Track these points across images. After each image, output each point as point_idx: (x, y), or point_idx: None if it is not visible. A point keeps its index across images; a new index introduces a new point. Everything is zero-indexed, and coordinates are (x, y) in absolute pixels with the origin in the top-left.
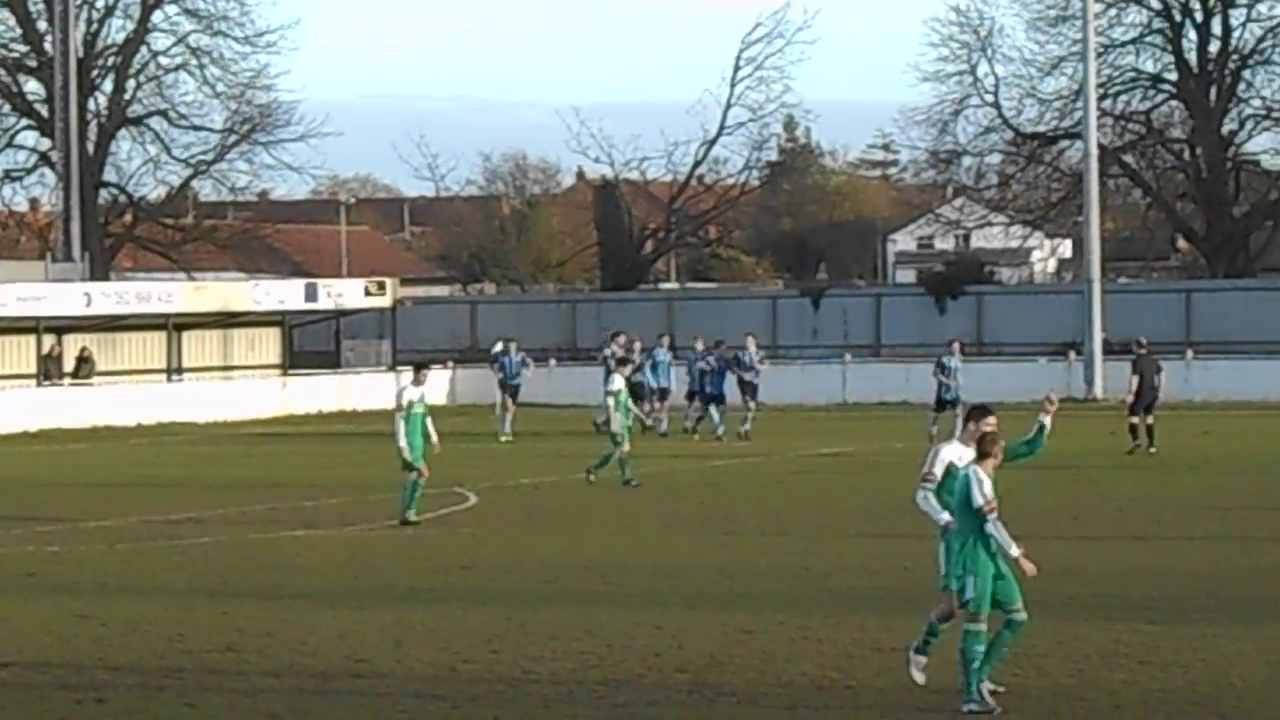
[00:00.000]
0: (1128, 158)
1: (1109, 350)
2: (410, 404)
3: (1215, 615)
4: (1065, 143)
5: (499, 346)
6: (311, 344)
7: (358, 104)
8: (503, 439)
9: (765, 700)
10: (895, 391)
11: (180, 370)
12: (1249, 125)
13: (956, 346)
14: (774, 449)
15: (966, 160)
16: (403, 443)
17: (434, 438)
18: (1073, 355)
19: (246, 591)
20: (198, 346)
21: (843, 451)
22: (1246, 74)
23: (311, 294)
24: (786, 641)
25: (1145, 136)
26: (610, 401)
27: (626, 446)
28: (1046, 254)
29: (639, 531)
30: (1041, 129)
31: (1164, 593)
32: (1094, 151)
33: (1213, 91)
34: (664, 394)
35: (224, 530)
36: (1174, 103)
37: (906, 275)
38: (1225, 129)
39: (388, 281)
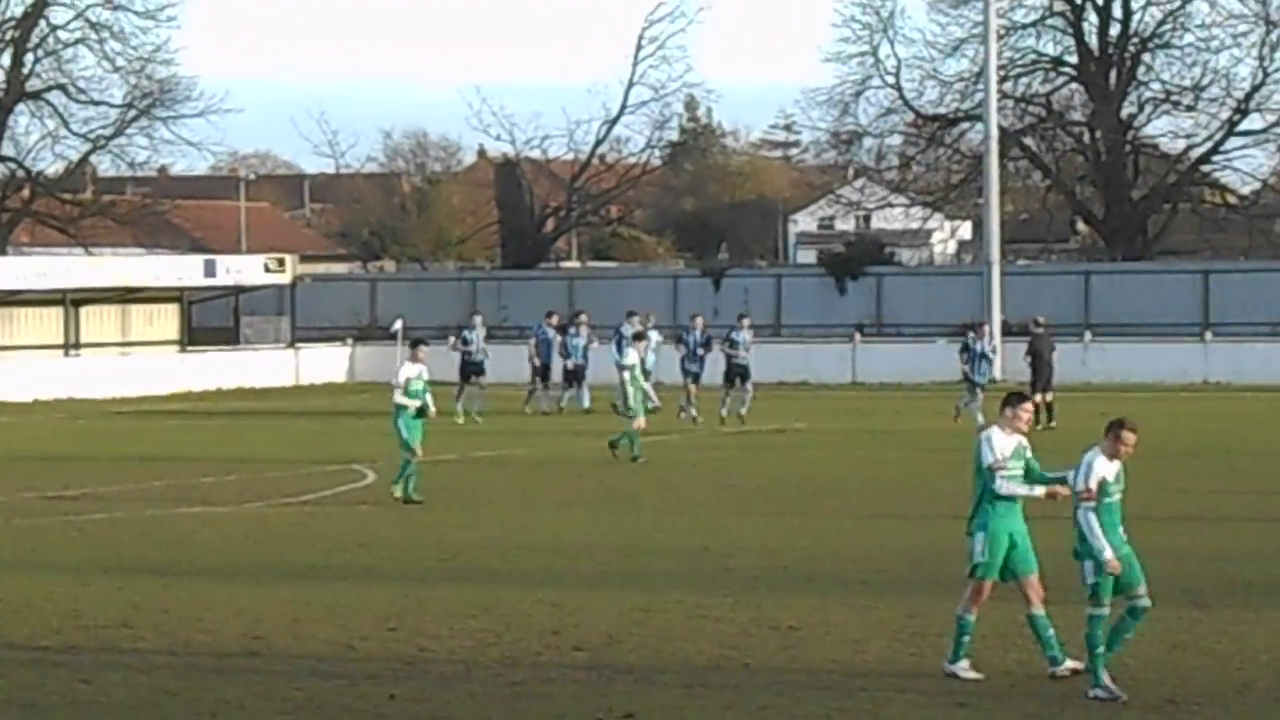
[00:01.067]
0: (1028, 140)
1: (1008, 332)
2: (408, 381)
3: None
4: (966, 125)
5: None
6: (210, 320)
7: (258, 80)
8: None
9: (662, 679)
10: (795, 372)
11: (78, 345)
12: (1148, 109)
13: (746, 322)
14: (673, 428)
15: (867, 141)
16: (401, 421)
17: (431, 409)
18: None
19: (143, 568)
20: (96, 322)
21: (743, 431)
22: (1146, 57)
23: (210, 270)
24: (684, 620)
25: (1045, 119)
26: (625, 375)
27: (641, 422)
28: (946, 236)
29: (538, 510)
30: (942, 111)
31: (1060, 573)
32: (994, 134)
33: (1113, 75)
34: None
35: (121, 506)
36: (1074, 86)
37: (807, 256)
38: (1125, 112)
39: (287, 258)
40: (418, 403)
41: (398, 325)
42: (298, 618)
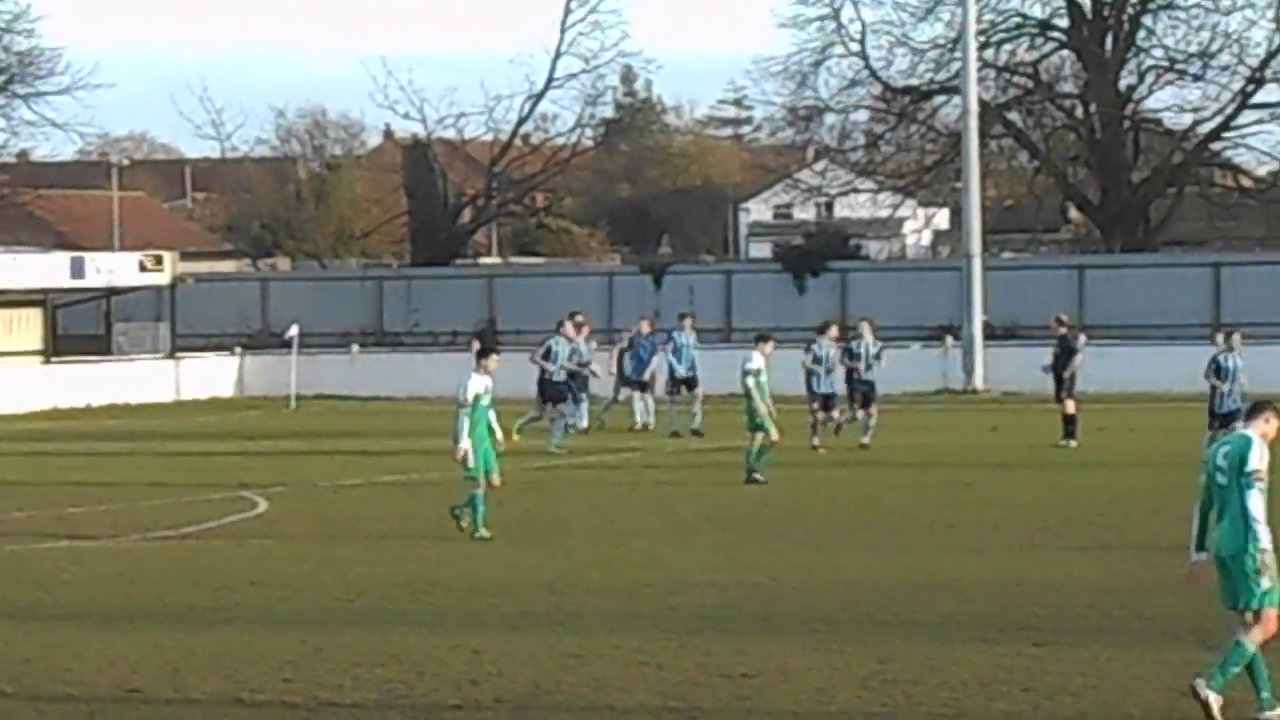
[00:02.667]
0: (1012, 115)
1: (990, 335)
2: (476, 397)
3: (1109, 636)
4: (941, 98)
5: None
6: (78, 327)
7: (132, 52)
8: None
9: None
10: None
11: None
12: (1149, 79)
13: (688, 323)
14: (607, 447)
15: (829, 118)
16: (465, 443)
17: (499, 434)
18: (950, 341)
19: (1, 612)
20: None
21: (688, 449)
22: (1147, 20)
23: (78, 270)
24: (621, 667)
25: (1032, 91)
26: (750, 383)
27: (775, 435)
28: (920, 225)
29: (454, 542)
30: (914, 82)
31: (1050, 611)
32: (974, 108)
33: (1109, 40)
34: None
35: None
36: (1065, 53)
37: (761, 249)
38: (1123, 83)
39: (166, 255)
40: (465, 441)
41: (293, 331)
42: (179, 667)
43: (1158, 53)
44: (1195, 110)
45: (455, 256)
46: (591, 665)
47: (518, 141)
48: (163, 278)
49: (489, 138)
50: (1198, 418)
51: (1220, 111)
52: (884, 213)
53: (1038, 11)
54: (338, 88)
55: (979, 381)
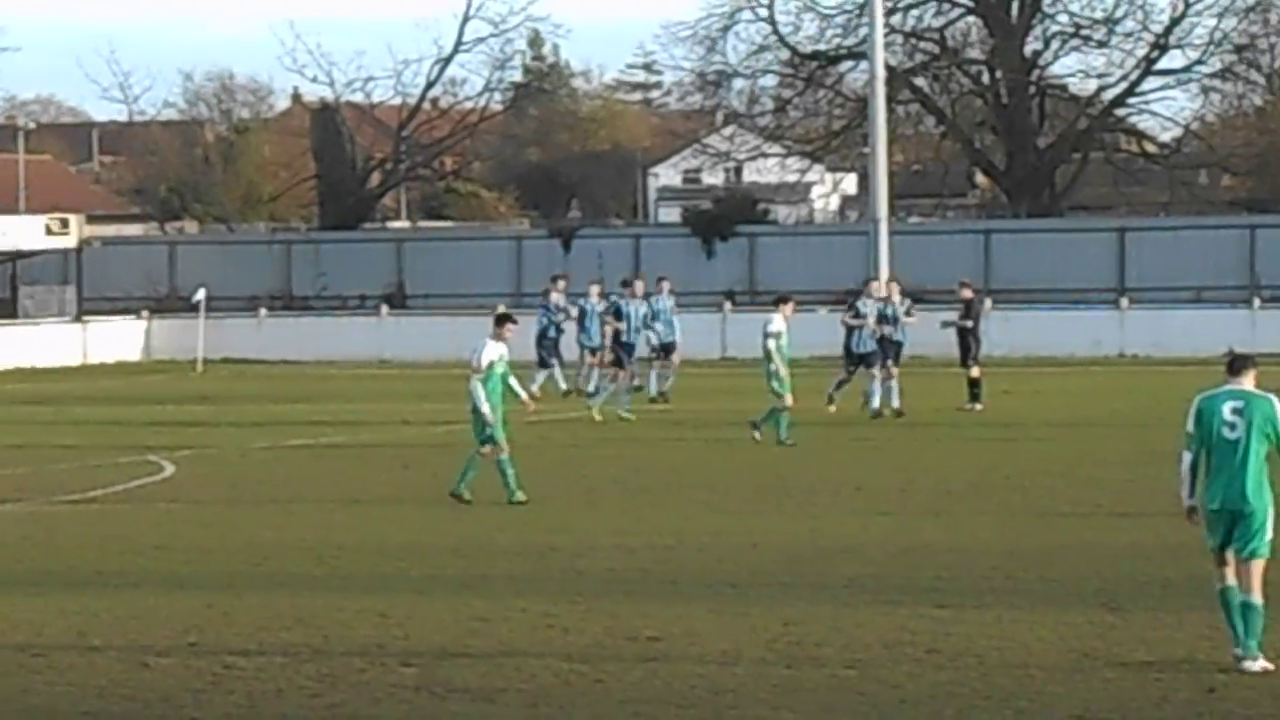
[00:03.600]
0: (919, 81)
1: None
2: (491, 364)
3: (1012, 599)
4: (849, 63)
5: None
6: None
7: (37, 14)
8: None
9: (503, 698)
10: None
11: None
12: (1055, 44)
13: (666, 286)
14: (516, 410)
15: (738, 83)
16: (485, 407)
17: (523, 395)
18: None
19: None
20: None
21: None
22: None
23: None
24: (528, 631)
25: (939, 57)
26: (771, 345)
27: (789, 401)
28: (828, 190)
29: (362, 506)
30: (822, 48)
31: (955, 574)
32: (880, 74)
33: (1014, 6)
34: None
35: None
36: (971, 19)
37: (670, 213)
38: (1028, 49)
39: (72, 219)
40: (485, 406)
41: (200, 295)
42: (84, 631)
43: (1063, 19)
44: (1100, 76)
45: (363, 220)
46: (498, 628)
47: (426, 105)
48: (69, 241)
49: (397, 102)
50: (1101, 380)
51: (1125, 77)
52: (792, 177)
53: None
54: (246, 51)
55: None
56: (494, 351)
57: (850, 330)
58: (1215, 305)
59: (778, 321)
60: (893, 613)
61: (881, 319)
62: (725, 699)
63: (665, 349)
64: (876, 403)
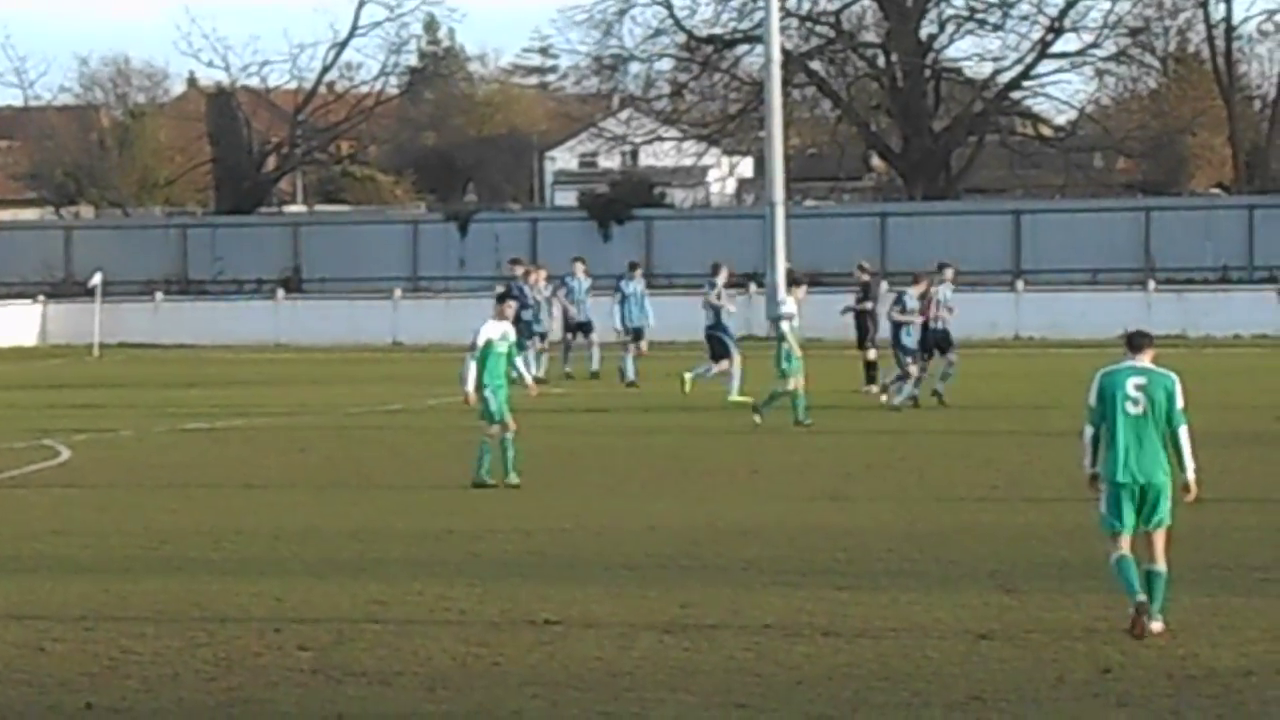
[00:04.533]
0: (815, 64)
1: (794, 282)
2: (489, 342)
3: (909, 581)
4: (745, 47)
5: (96, 279)
6: None
7: None
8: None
9: (400, 681)
10: (555, 328)
11: None
12: (950, 28)
13: (637, 273)
14: (414, 395)
15: (634, 67)
16: (468, 386)
17: (527, 378)
18: (754, 287)
19: None
20: None
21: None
22: None
23: None
24: (425, 614)
25: (834, 40)
26: (785, 327)
27: (793, 383)
28: (724, 173)
29: (258, 490)
30: (718, 31)
31: (852, 556)
32: (776, 57)
33: None
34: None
35: None
36: (867, 2)
37: (567, 197)
38: (924, 32)
39: None
40: (469, 385)
41: (96, 279)
42: None
43: (958, 2)
44: (995, 59)
45: (260, 204)
46: (395, 612)
47: (322, 90)
48: None
49: (293, 86)
50: (998, 363)
51: (1020, 61)
52: (688, 161)
53: None
54: (142, 35)
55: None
56: (493, 330)
57: (898, 325)
58: (1110, 288)
59: (790, 304)
60: (790, 594)
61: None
62: (623, 681)
63: (636, 333)
64: (898, 400)
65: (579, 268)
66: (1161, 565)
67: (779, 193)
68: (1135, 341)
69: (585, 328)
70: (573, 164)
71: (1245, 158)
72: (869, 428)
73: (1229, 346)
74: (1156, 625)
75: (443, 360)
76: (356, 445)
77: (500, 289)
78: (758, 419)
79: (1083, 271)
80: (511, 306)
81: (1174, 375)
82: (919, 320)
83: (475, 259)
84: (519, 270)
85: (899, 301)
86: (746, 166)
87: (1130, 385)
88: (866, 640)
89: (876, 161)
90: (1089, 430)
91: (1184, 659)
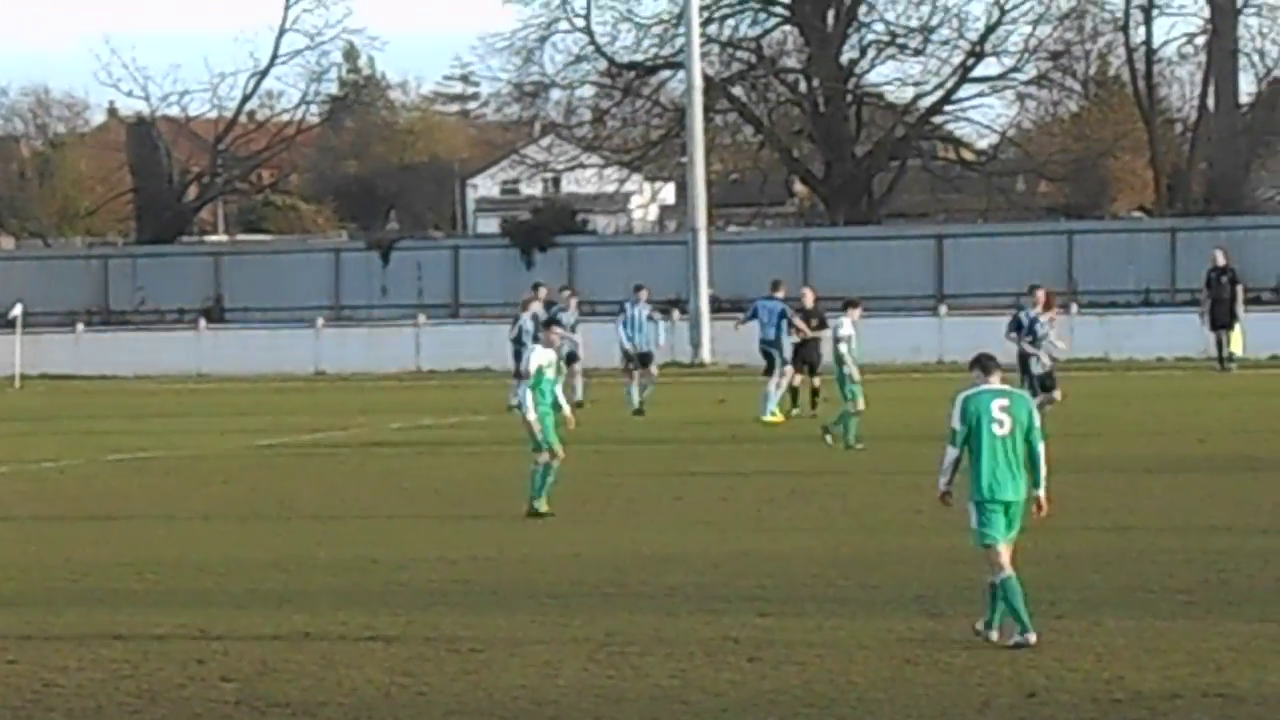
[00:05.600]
0: (737, 90)
1: (717, 308)
2: (540, 369)
3: (834, 606)
4: (666, 73)
5: (16, 310)
6: None
7: None
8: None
9: (325, 711)
10: (477, 357)
11: None
12: (871, 53)
13: (643, 295)
14: (336, 424)
15: (555, 93)
16: (532, 416)
17: (565, 409)
18: (676, 314)
19: None
20: None
21: (417, 425)
22: None
23: None
24: (350, 644)
25: (756, 66)
26: (843, 350)
27: (860, 405)
28: (647, 199)
29: (181, 521)
30: (639, 58)
31: (777, 581)
32: (698, 83)
33: (830, 15)
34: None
35: None
36: (787, 28)
37: (489, 224)
38: (845, 57)
39: None
40: (533, 414)
41: (17, 310)
42: None
43: (879, 27)
44: (916, 84)
45: (181, 234)
46: (319, 643)
47: (243, 119)
48: None
49: (214, 115)
50: (922, 387)
51: (941, 85)
52: (610, 187)
53: None
54: (61, 65)
55: (706, 354)
56: (543, 357)
57: (1026, 354)
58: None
59: (847, 325)
60: (715, 621)
61: (1017, 327)
62: (548, 710)
63: (643, 358)
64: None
65: (642, 295)
66: (1011, 570)
67: (701, 219)
68: (987, 365)
69: (571, 358)
70: (495, 191)
71: (1167, 180)
72: (793, 453)
73: (1152, 369)
74: (995, 635)
75: (369, 389)
76: (279, 475)
77: (549, 315)
78: (829, 439)
79: (1005, 295)
80: (558, 333)
81: (1028, 395)
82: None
83: (397, 287)
84: (567, 296)
85: (1024, 328)
86: (669, 193)
87: (995, 407)
88: (792, 666)
89: (799, 187)
90: (953, 452)
91: (1109, 682)
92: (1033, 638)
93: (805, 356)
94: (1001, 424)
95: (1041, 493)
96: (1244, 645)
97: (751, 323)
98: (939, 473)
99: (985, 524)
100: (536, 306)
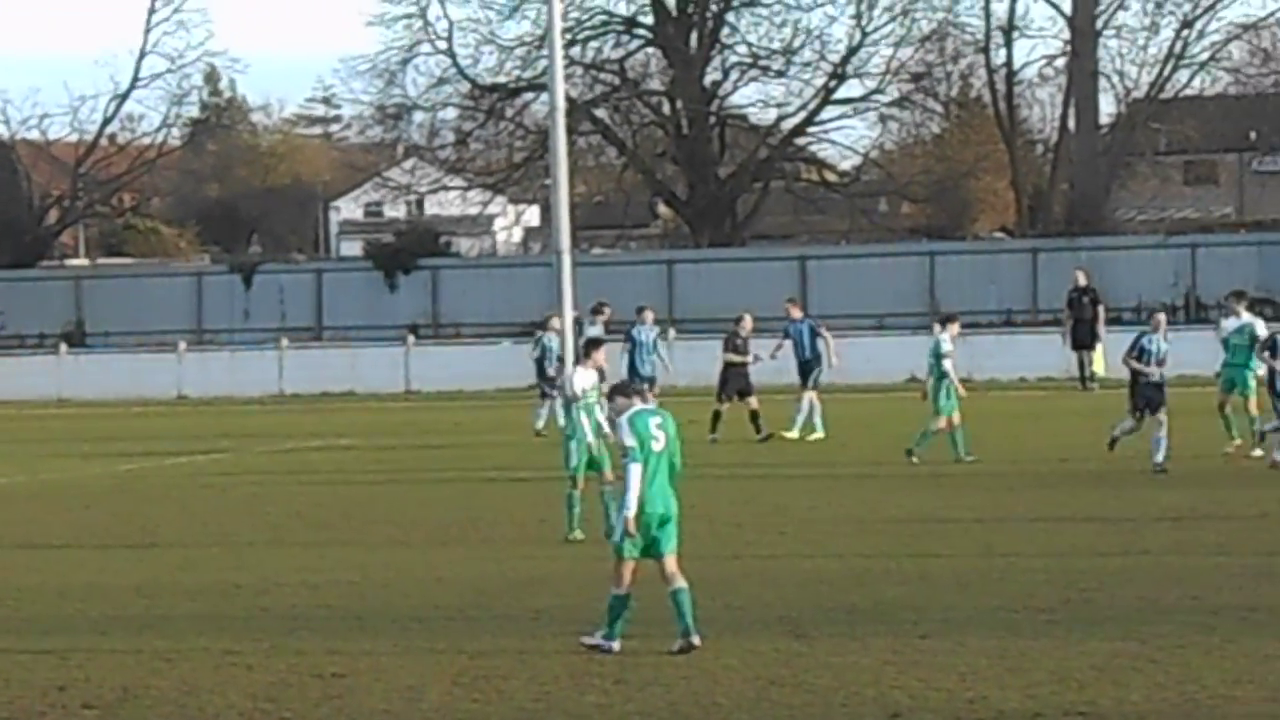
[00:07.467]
0: (600, 112)
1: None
2: (584, 392)
3: (699, 627)
4: (529, 95)
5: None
6: None
7: None
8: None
9: None
10: (340, 380)
11: None
12: (734, 75)
13: (649, 316)
14: (199, 448)
15: (418, 116)
16: (591, 438)
17: (606, 428)
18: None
19: None
20: None
21: (280, 449)
22: (731, 17)
23: None
24: (212, 669)
25: (619, 88)
26: (947, 365)
27: (943, 424)
28: (511, 222)
29: (41, 548)
30: (502, 80)
31: (641, 604)
32: (561, 105)
33: (694, 37)
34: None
35: None
36: (651, 50)
37: (352, 247)
38: (708, 79)
39: None
40: (592, 440)
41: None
42: None
43: (742, 49)
44: (779, 106)
45: (41, 258)
46: (181, 668)
47: (103, 142)
48: None
49: (74, 138)
50: (787, 408)
51: (804, 107)
52: (474, 210)
53: (623, 9)
54: None
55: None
56: (585, 379)
57: (1137, 374)
58: (897, 332)
59: (947, 342)
60: (579, 644)
61: (1139, 353)
62: None
63: (649, 382)
64: (1161, 455)
65: (648, 316)
66: (683, 582)
67: (565, 241)
68: (643, 389)
69: (650, 384)
70: (358, 214)
71: (1028, 201)
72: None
73: (1014, 389)
74: (696, 640)
75: (232, 413)
76: (141, 500)
77: (590, 336)
78: (915, 460)
79: (869, 316)
80: (600, 352)
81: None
82: (1151, 370)
83: (260, 311)
84: (604, 316)
85: (1136, 345)
86: (533, 215)
87: (653, 424)
88: (657, 688)
89: (663, 209)
90: (637, 468)
91: (972, 701)
92: (616, 646)
93: (736, 383)
94: (658, 440)
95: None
96: (1105, 664)
97: (787, 343)
98: (625, 500)
99: (627, 538)
100: (558, 324)
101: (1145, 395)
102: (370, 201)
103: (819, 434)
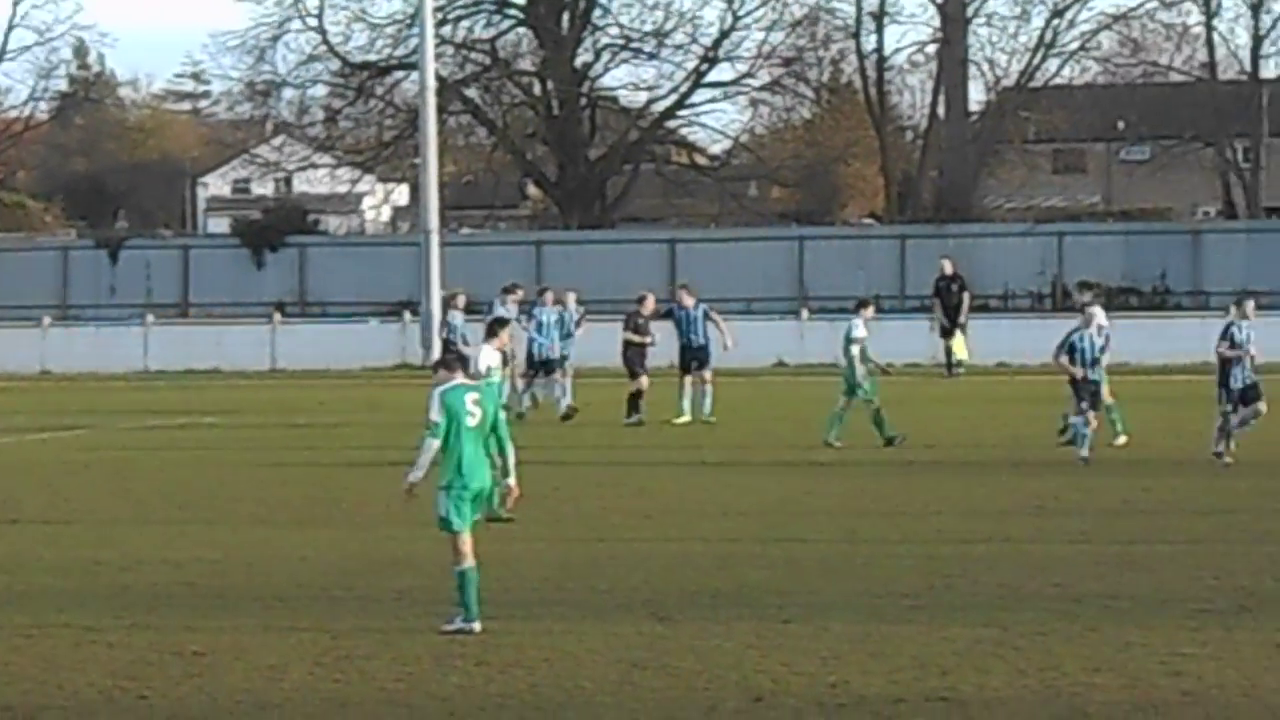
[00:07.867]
0: (470, 92)
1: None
2: (489, 370)
3: (562, 610)
4: (400, 74)
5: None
6: None
7: None
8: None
9: (45, 715)
10: (206, 358)
11: None
12: (605, 57)
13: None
14: (60, 425)
15: (288, 93)
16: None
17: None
18: (408, 316)
19: None
20: None
21: (144, 426)
22: None
23: None
24: (71, 647)
25: (490, 68)
26: (854, 351)
27: (875, 401)
28: (380, 201)
29: None
30: (373, 58)
31: (506, 585)
32: (431, 84)
33: (565, 18)
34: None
35: None
36: (522, 30)
37: (219, 224)
38: (579, 60)
39: None
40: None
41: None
42: None
43: (613, 31)
44: (650, 88)
45: None
46: (41, 644)
47: None
48: None
49: None
50: (657, 391)
51: (675, 90)
52: (343, 188)
53: None
54: None
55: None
56: (493, 358)
57: (1226, 362)
58: (765, 316)
59: (860, 328)
60: (442, 625)
61: (1230, 343)
62: (271, 713)
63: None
64: (1221, 446)
65: (460, 300)
66: (465, 564)
67: (434, 220)
68: (451, 364)
69: (548, 365)
70: (226, 190)
71: (897, 188)
72: (527, 459)
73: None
74: (477, 626)
75: (96, 390)
76: (2, 475)
77: (495, 316)
78: (837, 444)
79: (737, 300)
80: (506, 331)
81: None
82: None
83: (126, 286)
84: (516, 296)
85: (1227, 334)
86: (402, 194)
87: (469, 400)
88: (520, 670)
89: (532, 190)
90: (434, 443)
91: (835, 687)
92: (477, 626)
93: (634, 363)
94: (474, 415)
95: (514, 480)
96: (967, 650)
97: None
98: (414, 466)
99: (455, 512)
100: (462, 301)
101: (1240, 388)
102: (238, 178)
103: (686, 418)
